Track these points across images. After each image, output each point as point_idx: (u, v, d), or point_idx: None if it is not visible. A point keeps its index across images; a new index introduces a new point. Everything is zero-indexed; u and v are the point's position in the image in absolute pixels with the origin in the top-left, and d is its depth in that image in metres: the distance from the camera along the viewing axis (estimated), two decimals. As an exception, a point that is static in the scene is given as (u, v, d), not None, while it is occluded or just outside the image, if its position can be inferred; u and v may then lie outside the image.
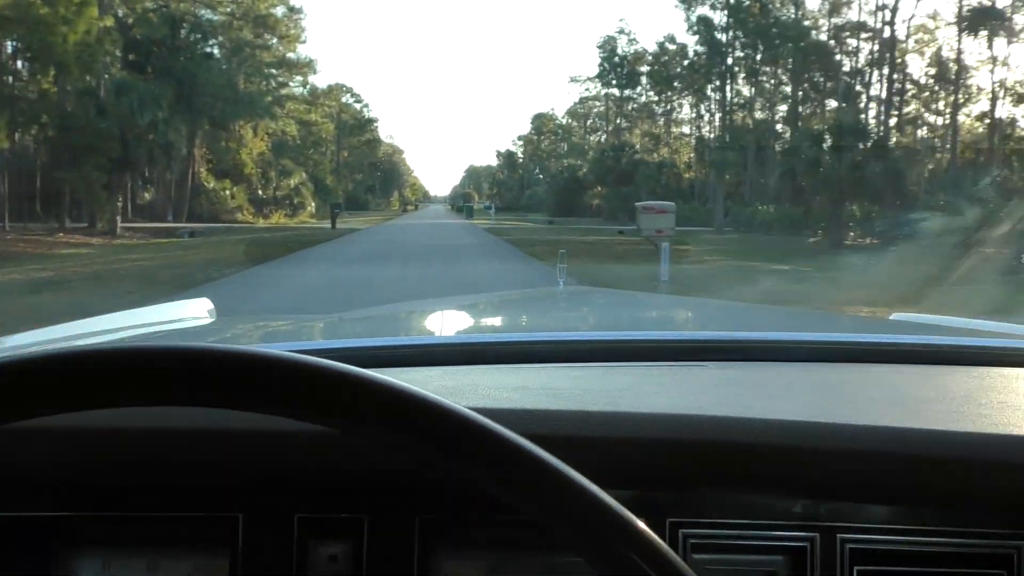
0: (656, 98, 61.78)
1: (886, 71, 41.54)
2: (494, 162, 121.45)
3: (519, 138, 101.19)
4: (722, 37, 48.38)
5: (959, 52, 39.04)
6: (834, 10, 43.98)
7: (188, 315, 1.54)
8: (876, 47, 42.39)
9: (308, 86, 59.59)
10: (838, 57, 43.67)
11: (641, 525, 0.45)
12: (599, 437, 0.72)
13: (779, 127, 47.83)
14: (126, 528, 0.73)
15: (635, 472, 0.73)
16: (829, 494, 0.74)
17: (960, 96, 39.05)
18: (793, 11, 44.57)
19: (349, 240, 27.13)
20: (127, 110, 26.00)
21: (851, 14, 44.60)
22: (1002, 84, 38.29)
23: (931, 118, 43.71)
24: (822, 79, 43.90)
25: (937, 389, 0.94)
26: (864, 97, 42.58)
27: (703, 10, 48.00)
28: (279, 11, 46.05)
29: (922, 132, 42.92)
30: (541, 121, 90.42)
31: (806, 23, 44.56)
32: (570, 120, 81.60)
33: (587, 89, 73.65)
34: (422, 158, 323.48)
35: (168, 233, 29.00)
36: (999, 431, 0.74)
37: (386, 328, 1.65)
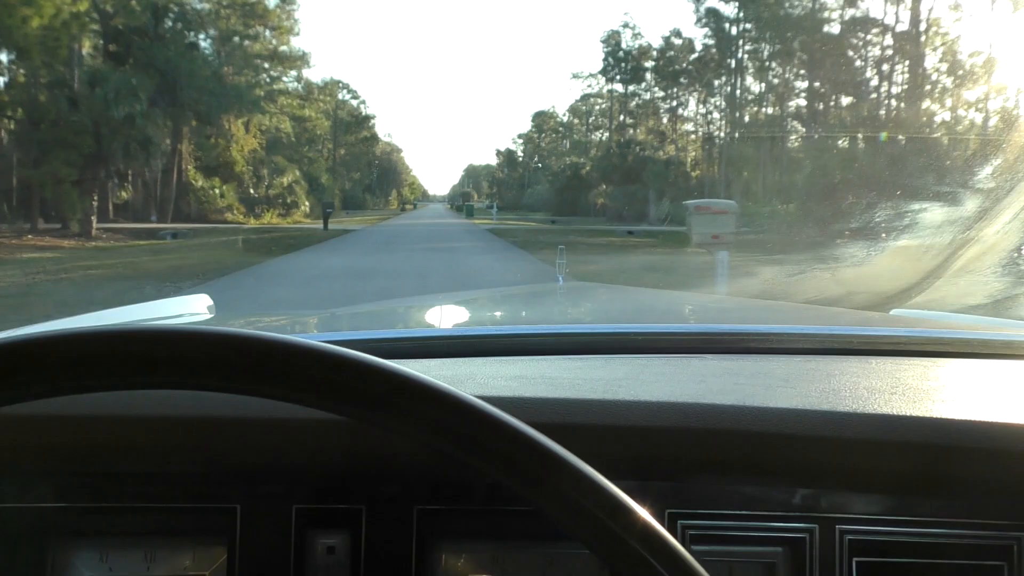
0: (662, 94, 60.04)
1: (907, 62, 39.70)
2: (493, 161, 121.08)
3: (519, 136, 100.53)
4: (732, 29, 46.57)
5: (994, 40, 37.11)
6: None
7: (187, 311, 1.53)
8: (906, 32, 40.56)
9: (303, 81, 57.71)
10: (862, 47, 41.82)
11: (646, 515, 0.45)
12: (597, 425, 0.72)
13: (794, 122, 46.01)
14: (123, 519, 0.74)
15: (634, 461, 0.73)
16: (828, 483, 0.74)
17: (989, 84, 37.20)
18: (809, 1, 42.71)
19: (339, 243, 24.83)
20: (101, 102, 24.04)
21: (870, 2, 42.72)
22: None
23: (963, 110, 41.83)
24: (844, 70, 42.03)
25: (937, 380, 0.93)
26: (888, 88, 40.75)
27: (713, 2, 46.21)
28: (270, 1, 44.11)
29: (957, 123, 40.96)
30: (542, 119, 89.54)
31: (823, 14, 42.70)
32: (572, 117, 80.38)
33: (589, 86, 72.42)
34: (421, 157, 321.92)
35: (149, 234, 27.08)
36: (998, 420, 0.74)
37: (384, 321, 1.64)
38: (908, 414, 0.75)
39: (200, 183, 39.71)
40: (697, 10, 49.71)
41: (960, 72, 38.82)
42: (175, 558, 0.73)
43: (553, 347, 1.07)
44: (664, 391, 0.80)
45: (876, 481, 0.74)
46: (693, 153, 56.88)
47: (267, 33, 46.30)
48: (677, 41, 57.42)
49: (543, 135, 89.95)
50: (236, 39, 41.19)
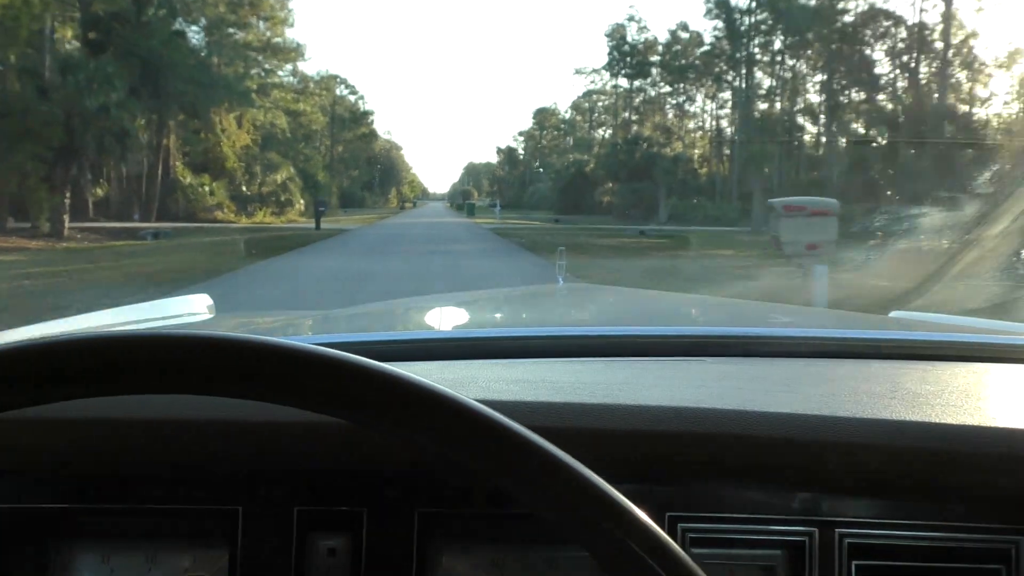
0: (670, 88, 58.30)
1: (932, 59, 37.84)
2: (494, 159, 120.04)
3: (520, 134, 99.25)
4: (746, 20, 44.73)
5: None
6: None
7: (187, 311, 1.52)
8: (928, 25, 38.71)
9: (298, 75, 55.85)
10: (883, 37, 39.95)
11: (646, 518, 0.45)
12: (597, 429, 0.73)
13: (806, 118, 44.15)
14: (125, 521, 0.74)
15: (633, 465, 0.73)
16: (827, 487, 0.75)
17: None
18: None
19: (330, 245, 22.73)
20: (74, 91, 22.13)
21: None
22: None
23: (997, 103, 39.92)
24: (863, 64, 40.17)
25: (936, 384, 0.93)
26: (910, 84, 38.87)
27: (724, -8, 44.36)
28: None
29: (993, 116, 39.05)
30: (543, 116, 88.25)
31: (841, 3, 40.81)
32: (574, 114, 78.88)
33: (593, 82, 70.93)
34: (421, 155, 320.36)
35: (128, 234, 25.26)
36: (997, 424, 0.75)
37: (384, 323, 1.64)
38: (908, 418, 0.75)
39: (189, 180, 37.86)
40: (708, 0, 47.83)
41: (979, 68, 37.00)
42: (176, 560, 0.74)
43: (553, 350, 1.07)
44: (664, 395, 0.81)
45: (875, 485, 0.74)
46: (699, 150, 55.15)
47: (260, 24, 44.54)
48: (684, 35, 55.79)
49: (545, 132, 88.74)
50: (225, 27, 39.16)
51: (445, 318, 1.68)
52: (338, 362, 0.46)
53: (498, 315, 1.82)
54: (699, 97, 58.10)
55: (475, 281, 12.68)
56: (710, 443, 0.73)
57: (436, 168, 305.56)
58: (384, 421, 0.47)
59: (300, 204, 46.36)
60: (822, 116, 41.76)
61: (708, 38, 51.26)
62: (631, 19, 67.57)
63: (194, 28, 36.85)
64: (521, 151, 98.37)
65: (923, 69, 38.63)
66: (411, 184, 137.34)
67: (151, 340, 0.46)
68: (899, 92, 37.89)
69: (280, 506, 0.73)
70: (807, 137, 39.29)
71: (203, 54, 36.73)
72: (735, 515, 0.74)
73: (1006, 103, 36.46)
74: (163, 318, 1.46)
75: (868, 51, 40.60)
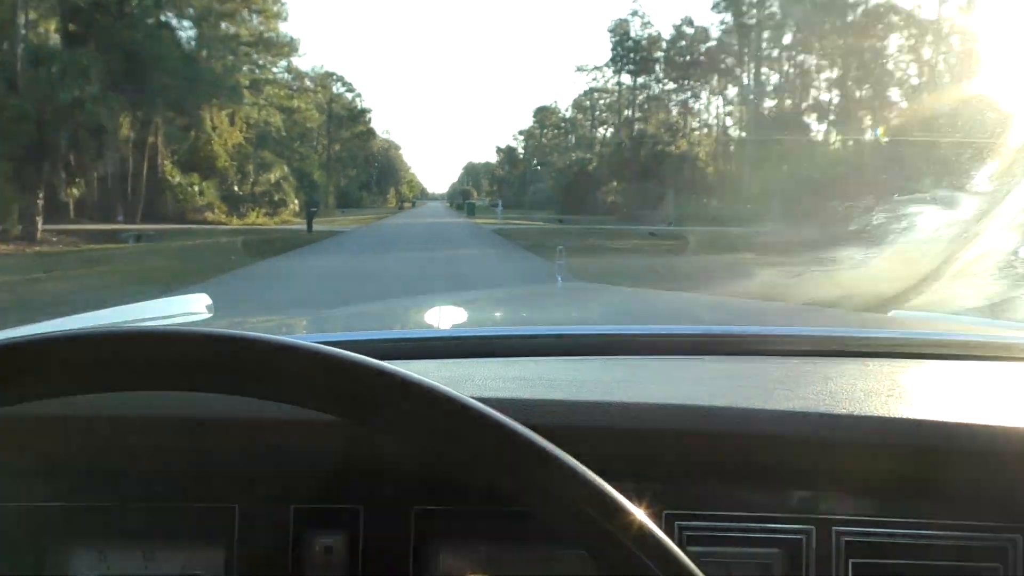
0: (676, 85, 56.94)
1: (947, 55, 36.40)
2: (493, 158, 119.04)
3: (520, 133, 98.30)
4: (752, 13, 43.29)
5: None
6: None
7: (186, 310, 1.53)
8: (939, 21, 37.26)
9: (293, 72, 54.34)
10: (899, 30, 38.48)
11: (642, 515, 0.45)
12: (593, 427, 0.73)
13: (814, 115, 42.68)
14: (122, 518, 0.75)
15: (631, 463, 0.73)
16: (824, 485, 0.75)
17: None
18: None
19: (320, 250, 21.00)
20: (46, 84, 20.58)
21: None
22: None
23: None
24: (876, 60, 38.69)
25: (934, 382, 0.94)
26: (926, 80, 37.40)
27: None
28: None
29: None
30: (544, 114, 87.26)
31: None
32: (576, 113, 77.76)
33: (595, 79, 69.61)
34: (420, 155, 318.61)
35: (108, 236, 23.72)
36: (995, 423, 0.75)
37: (383, 322, 1.63)
38: (905, 416, 0.75)
39: (178, 179, 36.32)
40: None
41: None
42: (173, 557, 0.74)
43: (551, 348, 1.07)
44: (661, 393, 0.81)
45: (872, 483, 0.74)
46: (705, 148, 53.73)
47: (253, 18, 43.01)
48: (689, 30, 54.46)
49: (545, 131, 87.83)
50: (213, 20, 37.50)
51: (443, 317, 1.68)
52: (334, 359, 0.46)
53: (496, 314, 1.82)
54: (704, 94, 56.87)
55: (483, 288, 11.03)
56: (707, 441, 0.73)
57: (435, 168, 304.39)
58: (377, 417, 0.47)
59: (294, 204, 44.69)
60: (831, 114, 40.30)
61: (715, 32, 49.89)
62: (634, 14, 66.02)
63: (180, 19, 35.19)
64: (521, 150, 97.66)
65: (942, 62, 37.21)
66: (410, 184, 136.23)
67: (168, 335, 0.47)
68: (919, 87, 36.44)
69: (277, 504, 0.73)
70: (821, 135, 37.86)
71: (190, 47, 35.07)
72: (732, 513, 0.74)
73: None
74: (163, 317, 1.43)
75: (882, 44, 39.16)
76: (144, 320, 1.39)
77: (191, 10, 35.43)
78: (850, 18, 39.57)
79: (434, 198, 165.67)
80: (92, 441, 0.72)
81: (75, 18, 28.17)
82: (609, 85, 66.66)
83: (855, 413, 0.75)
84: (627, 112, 62.26)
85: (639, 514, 0.45)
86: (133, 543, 0.74)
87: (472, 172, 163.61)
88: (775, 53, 45.17)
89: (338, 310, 1.80)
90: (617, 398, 0.77)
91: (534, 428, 0.47)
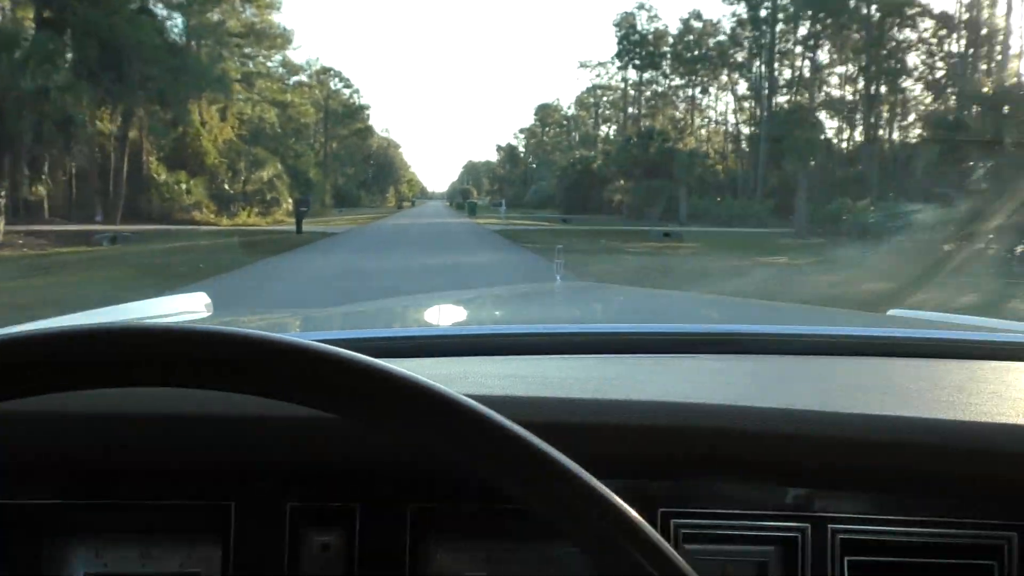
0: (683, 81, 55.08)
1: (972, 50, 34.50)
2: (493, 157, 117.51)
3: (521, 131, 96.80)
4: (768, 3, 41.43)
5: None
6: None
7: (185, 308, 1.54)
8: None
9: (288, 66, 52.46)
10: (920, 20, 36.55)
11: (634, 514, 0.46)
12: (588, 424, 0.73)
13: (829, 111, 40.80)
14: (118, 517, 0.75)
15: (626, 461, 0.74)
16: (820, 482, 0.75)
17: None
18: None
19: (308, 255, 19.06)
20: (7, 70, 18.68)
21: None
22: None
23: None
24: (895, 56, 36.78)
25: (930, 380, 0.94)
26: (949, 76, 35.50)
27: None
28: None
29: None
30: (545, 112, 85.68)
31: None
32: (578, 110, 76.05)
33: (599, 75, 68.00)
34: (419, 154, 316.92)
35: (82, 238, 21.88)
36: (990, 420, 0.76)
37: (378, 320, 1.64)
38: (900, 414, 0.76)
39: (163, 177, 34.44)
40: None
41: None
42: (170, 555, 0.74)
43: (547, 346, 1.07)
44: (656, 390, 0.81)
45: (868, 481, 0.75)
46: (716, 145, 51.87)
47: (245, 9, 41.11)
48: (697, 24, 52.61)
49: (547, 129, 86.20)
50: (199, 7, 35.54)
51: (439, 315, 1.69)
52: (331, 357, 0.47)
53: (493, 312, 1.81)
54: (713, 89, 55.05)
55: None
56: (703, 438, 0.73)
57: (435, 167, 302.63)
58: (372, 415, 0.47)
59: (288, 203, 42.69)
60: (859, 111, 38.41)
61: (727, 24, 48.05)
62: (641, 7, 64.10)
63: (164, 7, 33.21)
64: (522, 149, 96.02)
65: (962, 59, 35.34)
66: (409, 183, 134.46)
67: (175, 334, 0.47)
68: (946, 83, 34.56)
69: (273, 502, 0.73)
70: (847, 132, 36.03)
71: (173, 34, 33.13)
72: (728, 511, 0.74)
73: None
74: (162, 316, 1.44)
75: (903, 37, 37.28)
76: (142, 318, 1.34)
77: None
78: (865, 11, 37.76)
79: (434, 197, 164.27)
80: (88, 439, 0.71)
81: (49, 3, 26.22)
82: (613, 81, 65.06)
83: (851, 411, 0.75)
84: (632, 109, 60.51)
85: (631, 512, 0.45)
86: (129, 541, 0.74)
87: (472, 171, 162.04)
88: (791, 45, 43.35)
89: (334, 309, 1.81)
90: (611, 396, 0.77)
91: (528, 426, 0.47)
